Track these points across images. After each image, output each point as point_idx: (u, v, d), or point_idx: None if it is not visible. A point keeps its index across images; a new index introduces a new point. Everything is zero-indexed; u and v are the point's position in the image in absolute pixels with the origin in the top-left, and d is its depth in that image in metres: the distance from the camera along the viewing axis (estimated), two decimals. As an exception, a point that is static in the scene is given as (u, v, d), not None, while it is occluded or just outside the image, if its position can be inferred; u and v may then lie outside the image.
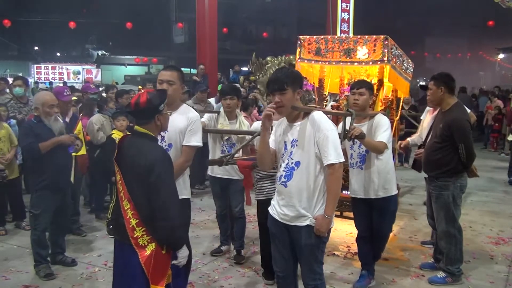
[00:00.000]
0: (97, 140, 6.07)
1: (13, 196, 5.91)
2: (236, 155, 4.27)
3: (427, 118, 5.09)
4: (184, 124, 3.37)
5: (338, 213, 4.99)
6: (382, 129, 3.87)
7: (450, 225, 4.21)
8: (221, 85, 9.91)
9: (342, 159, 2.94)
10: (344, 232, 5.42)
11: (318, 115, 3.00)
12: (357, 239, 4.27)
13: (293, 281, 3.24)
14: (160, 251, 2.75)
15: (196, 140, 3.40)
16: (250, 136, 4.25)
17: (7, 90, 7.23)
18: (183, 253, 2.84)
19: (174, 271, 2.89)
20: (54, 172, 4.37)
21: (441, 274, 4.30)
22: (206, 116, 4.85)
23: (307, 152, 2.95)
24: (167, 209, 2.71)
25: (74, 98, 5.50)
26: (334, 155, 2.90)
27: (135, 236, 2.72)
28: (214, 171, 4.73)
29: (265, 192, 4.10)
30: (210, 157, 4.75)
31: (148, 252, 2.72)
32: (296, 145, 2.99)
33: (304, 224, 2.97)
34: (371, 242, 4.14)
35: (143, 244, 2.72)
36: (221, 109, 4.82)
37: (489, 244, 5.38)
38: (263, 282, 4.29)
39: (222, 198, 4.89)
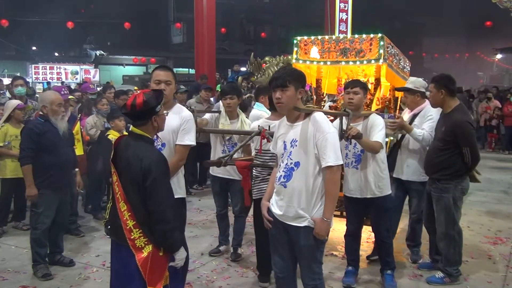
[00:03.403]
0: (93, 139, 6.13)
1: (19, 196, 5.89)
2: (236, 155, 4.27)
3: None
4: (177, 123, 3.38)
5: (338, 213, 4.99)
6: (377, 129, 3.89)
7: (450, 227, 4.20)
8: (219, 85, 9.93)
9: (341, 162, 2.93)
10: (342, 232, 5.38)
11: (319, 116, 3.00)
12: (345, 236, 4.34)
13: (292, 281, 3.23)
14: (157, 252, 2.74)
15: (189, 139, 3.41)
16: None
17: (5, 90, 7.22)
18: (180, 255, 2.83)
19: (172, 272, 2.89)
20: (57, 171, 4.41)
21: (439, 274, 4.31)
22: (208, 114, 4.90)
23: (306, 153, 2.94)
24: (163, 212, 2.71)
25: (70, 97, 5.51)
26: (333, 157, 2.89)
27: (132, 237, 2.71)
28: (215, 170, 4.76)
29: (262, 191, 4.10)
30: (211, 157, 4.77)
31: (145, 254, 2.71)
32: (296, 145, 2.98)
33: (303, 224, 2.97)
34: (366, 241, 4.16)
35: (140, 246, 2.72)
36: (222, 109, 4.84)
37: (487, 244, 5.38)
38: (258, 284, 4.28)
39: (222, 197, 4.92)
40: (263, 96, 5.03)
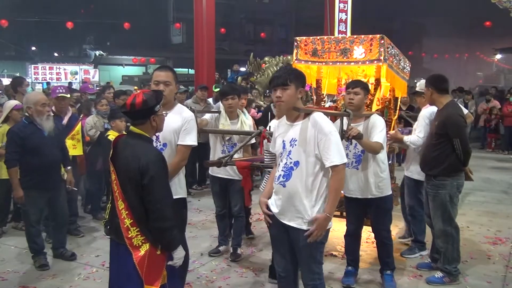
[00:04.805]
0: (93, 139, 6.12)
1: None
2: (236, 156, 4.27)
3: None
4: (178, 123, 3.38)
5: (338, 213, 5.00)
6: (378, 129, 3.90)
7: (447, 224, 4.23)
8: (215, 85, 9.92)
9: (345, 160, 2.96)
10: (342, 232, 5.38)
11: (319, 116, 3.00)
12: (345, 236, 4.36)
13: (294, 280, 3.24)
14: (154, 251, 2.75)
15: (191, 139, 3.41)
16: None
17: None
18: (178, 254, 2.83)
19: (169, 271, 2.89)
20: (43, 172, 4.45)
21: (438, 274, 4.31)
22: (208, 115, 4.90)
23: (306, 153, 2.94)
24: (161, 210, 2.71)
25: (61, 95, 5.45)
26: (337, 156, 2.90)
27: (129, 236, 2.72)
28: (214, 170, 4.76)
29: None
30: (210, 158, 4.77)
31: (142, 252, 2.72)
32: (295, 144, 2.98)
33: (302, 226, 2.97)
34: (366, 242, 4.17)
35: (137, 245, 2.72)
36: (222, 109, 4.84)
37: (486, 244, 5.39)
38: (267, 280, 4.29)
39: (221, 197, 4.91)
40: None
